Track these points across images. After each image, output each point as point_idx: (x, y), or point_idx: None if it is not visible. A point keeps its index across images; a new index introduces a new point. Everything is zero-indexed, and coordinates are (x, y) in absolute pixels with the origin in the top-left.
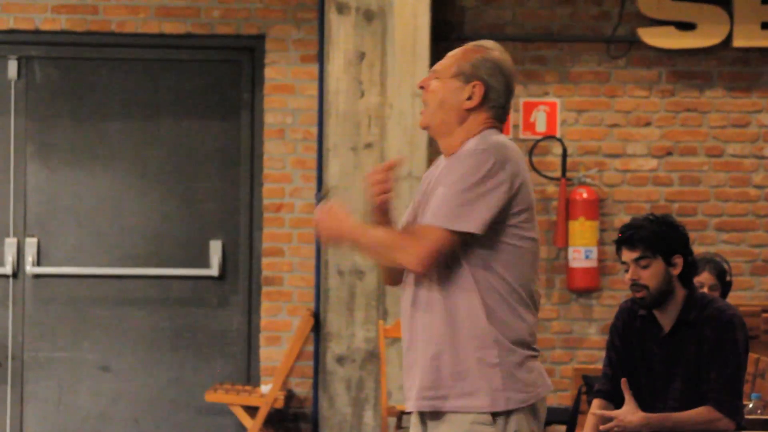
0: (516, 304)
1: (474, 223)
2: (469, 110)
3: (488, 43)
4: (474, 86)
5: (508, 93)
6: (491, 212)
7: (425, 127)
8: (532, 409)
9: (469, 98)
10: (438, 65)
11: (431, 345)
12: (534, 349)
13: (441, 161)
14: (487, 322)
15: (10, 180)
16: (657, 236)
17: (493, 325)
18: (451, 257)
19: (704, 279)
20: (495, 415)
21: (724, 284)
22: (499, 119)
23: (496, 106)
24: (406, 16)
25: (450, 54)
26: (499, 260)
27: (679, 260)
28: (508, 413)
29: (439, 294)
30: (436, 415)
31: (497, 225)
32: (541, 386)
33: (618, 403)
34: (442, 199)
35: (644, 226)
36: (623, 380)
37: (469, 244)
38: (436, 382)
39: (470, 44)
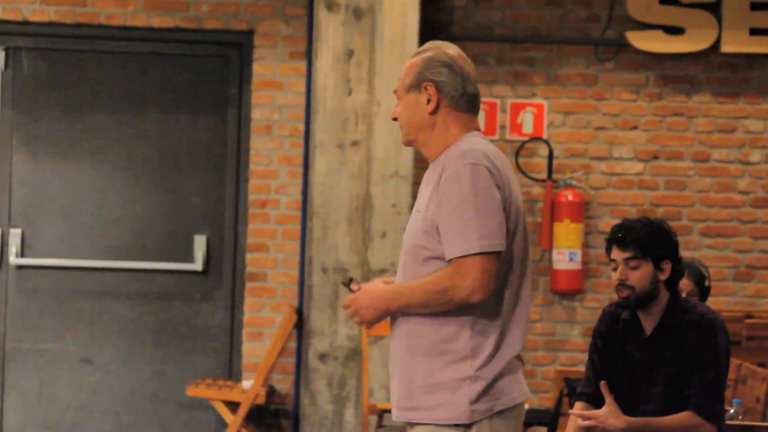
0: (501, 310)
1: (499, 239)
2: (433, 113)
3: (426, 46)
4: (425, 88)
5: (461, 77)
6: (503, 222)
7: (408, 145)
8: (501, 415)
9: (428, 101)
10: (395, 88)
11: (408, 356)
12: (515, 353)
13: (430, 169)
14: (466, 333)
15: None
16: (650, 239)
17: (472, 336)
18: (435, 267)
19: (683, 285)
20: (458, 425)
21: (702, 289)
22: (467, 109)
23: (456, 96)
24: (396, 15)
25: (401, 74)
26: (499, 269)
27: (667, 266)
28: (471, 423)
29: None
30: (411, 425)
31: None
32: (515, 392)
33: (600, 406)
34: (459, 225)
35: (638, 227)
36: (602, 383)
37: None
38: (410, 393)
39: (412, 56)
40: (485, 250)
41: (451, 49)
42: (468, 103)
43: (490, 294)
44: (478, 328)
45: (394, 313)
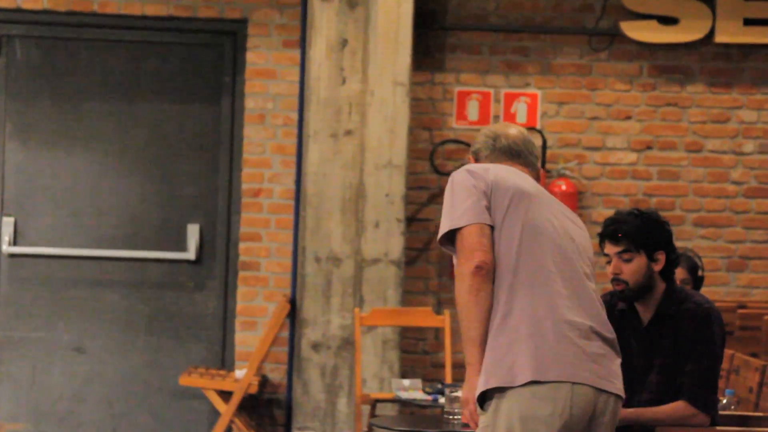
0: (502, 283)
1: (468, 215)
2: None
3: None
4: (469, 160)
5: (492, 137)
6: (477, 203)
7: None
8: (534, 393)
9: None
10: None
11: None
12: (551, 326)
13: None
14: (494, 306)
15: None
16: (641, 231)
17: (496, 308)
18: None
19: (677, 273)
20: (486, 397)
21: (696, 279)
22: (504, 160)
23: (487, 153)
24: (389, 4)
25: None
26: (498, 245)
27: (661, 256)
28: (498, 393)
29: None
30: None
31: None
32: (544, 371)
33: None
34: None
35: (629, 220)
36: None
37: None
38: None
39: None
40: (455, 226)
41: (496, 126)
42: (502, 155)
43: (478, 263)
44: (504, 296)
45: (472, 353)
